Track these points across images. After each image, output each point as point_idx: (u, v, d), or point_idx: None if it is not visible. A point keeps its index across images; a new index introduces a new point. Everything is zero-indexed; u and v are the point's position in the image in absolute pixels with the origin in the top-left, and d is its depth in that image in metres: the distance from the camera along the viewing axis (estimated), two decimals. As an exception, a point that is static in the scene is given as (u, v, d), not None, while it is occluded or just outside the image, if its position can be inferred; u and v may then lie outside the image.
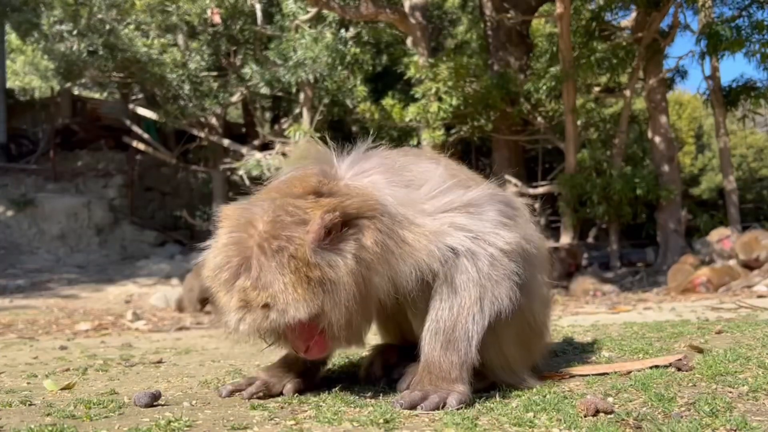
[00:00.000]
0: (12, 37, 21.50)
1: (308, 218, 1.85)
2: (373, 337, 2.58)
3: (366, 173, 2.05)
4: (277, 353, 2.34)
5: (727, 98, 14.15)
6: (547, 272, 2.33)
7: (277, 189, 2.01)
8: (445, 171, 2.11)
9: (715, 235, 9.84)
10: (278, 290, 1.81)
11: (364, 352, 2.60)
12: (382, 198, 1.95)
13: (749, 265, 9.01)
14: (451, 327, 1.97)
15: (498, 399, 1.98)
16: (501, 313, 1.98)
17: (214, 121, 17.56)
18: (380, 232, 1.89)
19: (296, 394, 2.13)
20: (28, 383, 2.67)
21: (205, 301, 9.03)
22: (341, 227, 1.86)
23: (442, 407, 1.87)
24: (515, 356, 2.17)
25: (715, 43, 12.68)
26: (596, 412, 1.75)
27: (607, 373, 2.32)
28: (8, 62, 23.27)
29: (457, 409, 1.85)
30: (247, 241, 1.87)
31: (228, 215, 1.98)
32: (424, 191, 2.03)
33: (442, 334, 1.97)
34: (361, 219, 1.88)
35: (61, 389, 2.42)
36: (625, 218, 13.58)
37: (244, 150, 16.73)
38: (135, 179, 19.68)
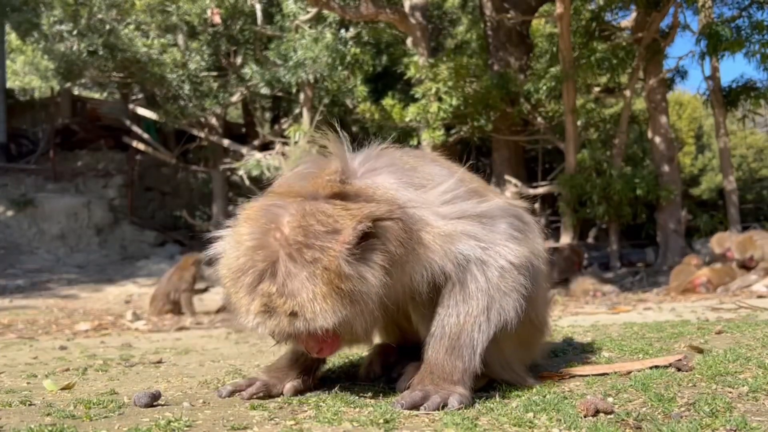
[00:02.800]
0: (12, 37, 21.51)
1: (339, 227, 1.83)
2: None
3: (377, 171, 2.04)
4: (277, 353, 2.34)
5: (727, 98, 14.16)
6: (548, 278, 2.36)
7: (298, 187, 1.97)
8: (456, 177, 2.12)
9: (716, 245, 9.81)
10: (306, 299, 1.80)
11: (364, 352, 2.60)
12: (401, 199, 1.95)
13: (745, 265, 9.01)
14: (457, 333, 1.98)
15: (498, 399, 1.98)
16: (507, 324, 2.00)
17: (214, 121, 17.56)
18: (403, 235, 1.89)
19: (296, 395, 2.13)
20: (28, 383, 2.67)
21: (175, 307, 9.01)
22: (367, 235, 1.85)
23: (443, 408, 1.87)
24: (515, 354, 2.18)
25: (715, 43, 12.68)
26: (596, 413, 1.75)
27: (607, 374, 2.32)
28: (8, 62, 23.27)
29: (458, 410, 1.85)
30: (273, 245, 1.84)
31: (250, 215, 1.93)
32: (437, 194, 2.03)
33: (447, 340, 1.98)
34: (387, 223, 1.87)
35: (61, 389, 2.42)
36: (625, 218, 13.58)
37: (244, 150, 16.74)
38: (135, 179, 19.68)
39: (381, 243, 1.86)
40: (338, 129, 2.13)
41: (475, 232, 1.99)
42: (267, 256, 1.83)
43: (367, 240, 1.84)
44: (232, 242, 1.92)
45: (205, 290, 10.11)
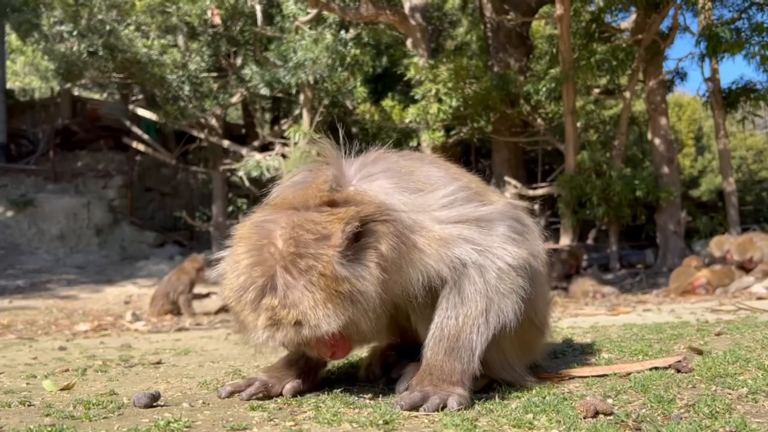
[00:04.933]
0: (12, 38, 21.52)
1: (328, 232, 1.87)
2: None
3: (373, 177, 2.07)
4: (277, 354, 2.34)
5: (727, 100, 14.16)
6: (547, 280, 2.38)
7: (291, 199, 2.01)
8: (454, 180, 2.14)
9: (715, 248, 9.81)
10: (308, 307, 1.83)
11: (363, 353, 2.60)
12: (393, 203, 1.98)
13: (743, 266, 9.01)
14: (456, 335, 1.99)
15: (497, 400, 1.98)
16: (506, 326, 2.01)
17: (213, 122, 17.56)
18: (394, 238, 1.91)
19: (295, 395, 2.13)
20: (28, 384, 2.67)
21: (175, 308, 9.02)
22: (358, 236, 1.88)
23: (442, 408, 1.87)
24: (516, 354, 2.19)
25: (714, 44, 12.69)
26: (596, 414, 1.75)
27: (607, 375, 2.32)
28: (8, 62, 23.30)
29: (457, 411, 1.85)
30: (269, 260, 1.87)
31: (243, 235, 1.97)
32: (435, 198, 2.04)
33: (446, 341, 2.00)
34: (376, 224, 1.90)
35: (61, 390, 2.42)
36: (624, 220, 13.58)
37: (243, 151, 16.74)
38: (135, 180, 19.68)
39: (373, 242, 1.89)
40: (338, 132, 2.15)
41: (472, 236, 2.01)
42: (264, 272, 1.87)
43: (358, 241, 1.87)
44: (231, 262, 1.96)
45: (206, 296, 10.10)
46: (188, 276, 9.20)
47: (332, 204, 1.93)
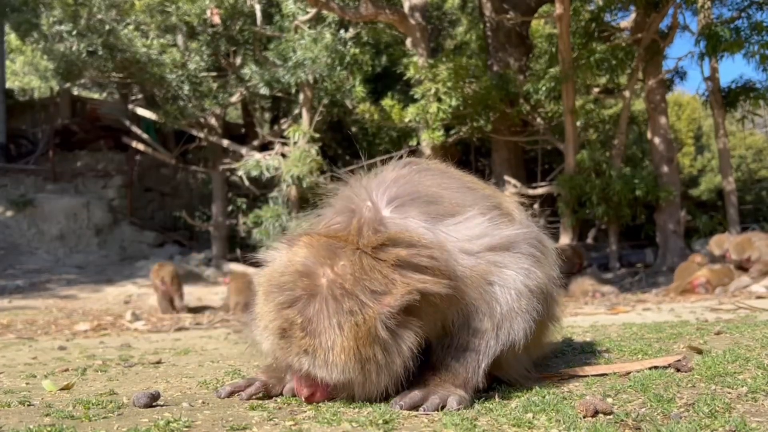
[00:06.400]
0: (11, 38, 21.50)
1: (388, 291, 1.81)
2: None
3: (403, 206, 2.02)
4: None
5: (727, 99, 14.16)
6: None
7: (342, 232, 1.95)
8: (480, 198, 2.13)
9: (715, 247, 9.82)
10: (322, 345, 1.80)
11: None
12: (432, 238, 1.93)
13: (742, 266, 9.03)
14: (465, 345, 2.01)
15: (497, 400, 1.98)
16: (514, 345, 2.02)
17: (213, 121, 17.54)
18: (442, 294, 1.86)
19: (295, 395, 2.13)
20: (27, 383, 2.67)
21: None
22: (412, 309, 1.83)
23: (442, 408, 1.87)
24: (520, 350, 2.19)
25: (714, 44, 12.69)
26: (595, 413, 1.76)
27: (607, 374, 2.33)
28: (8, 62, 23.27)
29: (457, 410, 1.85)
30: (319, 279, 1.84)
31: (313, 243, 1.90)
32: (469, 230, 2.02)
33: (453, 349, 2.02)
34: (430, 293, 1.85)
35: (60, 389, 2.42)
36: (624, 219, 13.58)
37: (243, 150, 16.73)
38: (134, 180, 19.68)
39: (421, 311, 1.85)
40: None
41: (502, 261, 2.02)
42: (308, 287, 1.84)
43: (409, 313, 1.83)
44: (284, 259, 1.92)
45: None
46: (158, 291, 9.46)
47: (382, 246, 1.86)
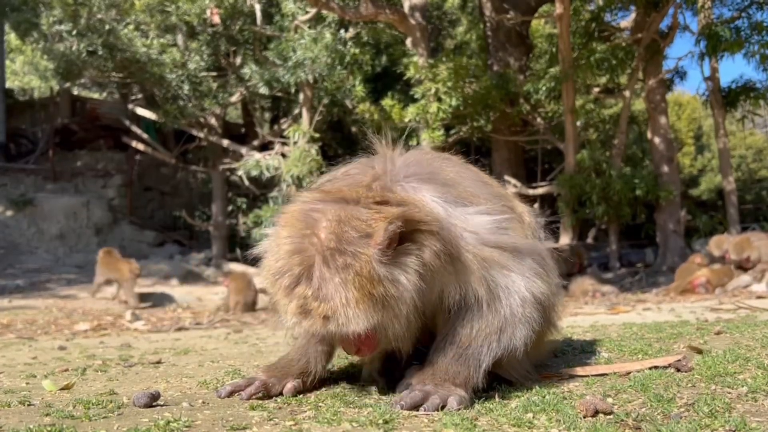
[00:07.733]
0: (11, 37, 21.50)
1: (372, 231, 1.86)
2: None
3: (420, 182, 2.08)
4: (277, 354, 2.33)
5: (727, 99, 14.16)
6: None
7: (341, 190, 2.01)
8: (495, 197, 2.18)
9: (715, 247, 9.83)
10: (339, 304, 1.84)
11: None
12: (441, 213, 2.00)
13: (741, 266, 9.04)
14: (467, 344, 2.04)
15: (497, 400, 1.98)
16: (514, 351, 2.06)
17: (213, 121, 17.54)
18: (438, 248, 1.92)
19: (296, 395, 2.13)
20: (27, 383, 2.67)
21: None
22: (402, 240, 1.88)
23: (443, 408, 1.87)
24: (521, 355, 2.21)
25: (714, 44, 12.69)
26: (595, 413, 1.76)
27: (607, 374, 2.33)
28: (8, 62, 23.28)
29: (457, 410, 1.85)
30: (309, 250, 1.88)
31: (289, 220, 1.97)
32: (482, 220, 2.06)
33: (455, 347, 2.04)
34: (422, 232, 1.91)
35: (60, 389, 2.42)
36: (624, 219, 13.58)
37: (243, 150, 16.73)
38: (134, 179, 19.67)
39: (416, 248, 1.89)
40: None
41: (507, 263, 2.06)
42: (303, 261, 1.88)
43: (402, 244, 1.87)
44: (273, 245, 1.98)
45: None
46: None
47: (381, 203, 1.94)
